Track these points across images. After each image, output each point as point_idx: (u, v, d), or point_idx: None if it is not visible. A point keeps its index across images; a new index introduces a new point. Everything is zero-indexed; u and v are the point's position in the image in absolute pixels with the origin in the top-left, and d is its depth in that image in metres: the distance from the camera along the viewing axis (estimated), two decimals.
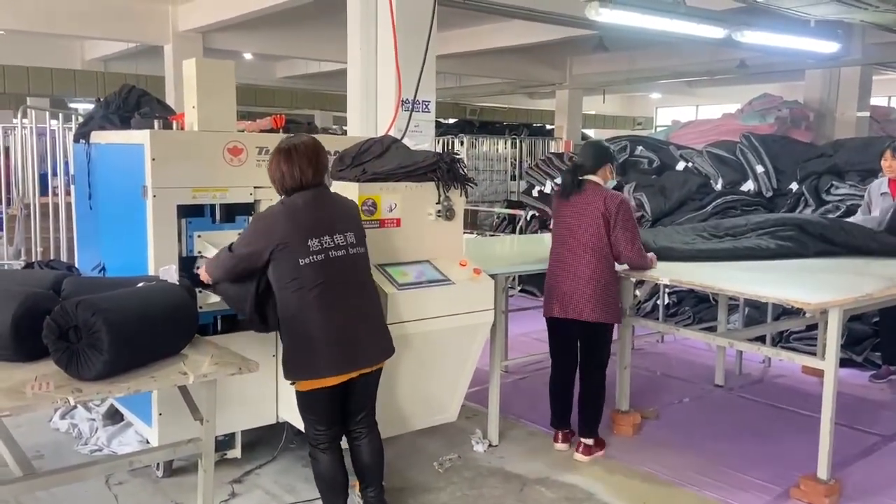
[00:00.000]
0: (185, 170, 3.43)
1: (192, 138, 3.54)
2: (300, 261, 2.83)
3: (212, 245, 3.52)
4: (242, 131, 3.75)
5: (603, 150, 4.10)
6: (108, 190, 3.90)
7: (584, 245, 3.85)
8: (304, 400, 3.00)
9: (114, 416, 4.08)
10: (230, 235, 3.61)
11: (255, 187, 3.64)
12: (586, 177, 3.94)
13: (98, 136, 3.97)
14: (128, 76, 11.65)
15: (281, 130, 3.88)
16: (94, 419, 4.12)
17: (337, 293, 2.89)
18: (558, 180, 8.71)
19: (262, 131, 3.81)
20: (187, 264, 3.48)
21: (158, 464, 3.65)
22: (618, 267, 3.97)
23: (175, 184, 3.41)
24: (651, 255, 4.07)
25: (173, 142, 3.44)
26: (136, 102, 4.03)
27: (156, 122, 3.46)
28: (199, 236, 3.53)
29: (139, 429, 3.79)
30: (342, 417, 3.08)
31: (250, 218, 3.48)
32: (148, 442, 3.65)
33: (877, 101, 11.17)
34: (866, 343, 5.68)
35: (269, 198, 3.68)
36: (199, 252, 3.54)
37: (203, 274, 3.09)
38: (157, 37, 9.99)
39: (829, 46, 6.84)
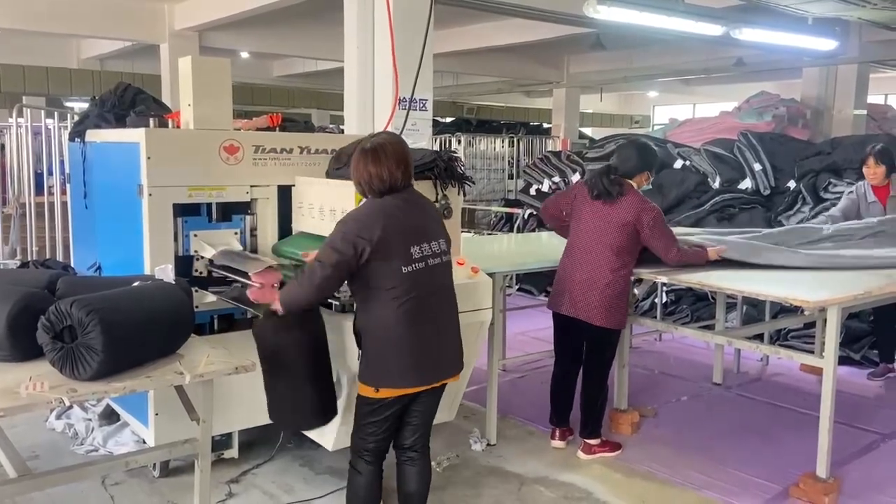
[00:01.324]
0: (180, 168, 3.41)
1: (187, 137, 3.52)
2: (403, 268, 2.68)
3: (208, 244, 3.51)
4: (239, 130, 3.73)
5: (645, 155, 3.90)
6: (103, 189, 3.88)
7: (607, 251, 3.77)
8: (372, 405, 2.80)
9: (110, 417, 4.06)
10: (226, 235, 3.61)
11: (251, 186, 3.63)
12: (624, 182, 3.81)
13: (93, 135, 3.95)
14: (124, 75, 11.61)
15: (277, 129, 3.87)
16: (90, 419, 4.10)
17: (431, 303, 2.77)
18: (556, 179, 8.73)
19: (258, 130, 3.80)
20: (184, 264, 3.46)
21: (155, 464, 3.64)
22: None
23: (171, 182, 3.39)
24: (714, 247, 3.97)
25: (169, 140, 3.43)
26: (131, 101, 4.02)
27: (151, 121, 3.45)
28: (195, 235, 3.51)
29: (135, 429, 3.77)
30: (397, 437, 2.94)
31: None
32: (144, 442, 3.64)
33: (874, 98, 11.17)
34: (864, 341, 5.68)
35: (266, 196, 3.70)
36: (196, 251, 3.52)
37: (276, 304, 2.82)
38: (153, 35, 9.94)
39: (827, 44, 6.83)
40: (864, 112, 9.87)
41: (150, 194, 3.33)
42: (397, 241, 2.69)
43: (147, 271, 3.33)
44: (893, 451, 4.19)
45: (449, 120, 18.20)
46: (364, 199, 2.87)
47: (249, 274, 3.16)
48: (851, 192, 5.31)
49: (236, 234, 3.66)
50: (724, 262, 3.99)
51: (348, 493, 2.94)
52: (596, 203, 3.84)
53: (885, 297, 3.79)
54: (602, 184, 3.81)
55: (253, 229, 3.72)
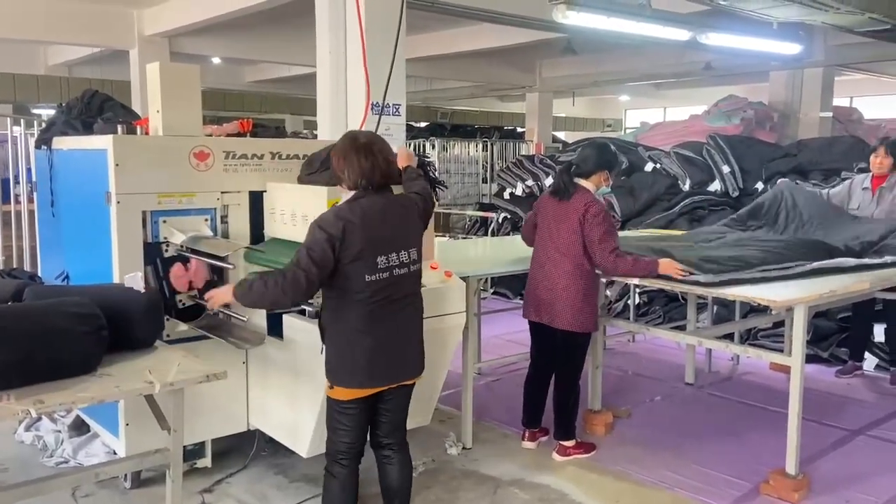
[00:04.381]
0: (149, 175, 3.38)
1: (156, 143, 3.48)
2: (367, 277, 2.71)
3: (178, 230, 3.47)
4: (209, 136, 3.70)
5: (603, 154, 3.91)
6: (71, 197, 3.83)
7: (562, 251, 3.82)
8: (338, 408, 2.85)
9: (80, 428, 4.00)
10: (197, 222, 3.56)
11: (222, 192, 3.61)
12: (577, 180, 3.87)
13: (60, 142, 3.90)
14: (93, 81, 11.44)
15: (248, 135, 3.85)
16: (59, 431, 4.03)
17: (392, 308, 2.80)
18: (529, 182, 8.79)
19: (228, 135, 3.77)
20: (151, 251, 3.42)
21: (126, 475, 3.59)
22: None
23: (140, 189, 3.35)
24: (663, 261, 3.71)
25: (137, 147, 3.39)
26: (99, 107, 3.97)
27: (119, 127, 3.41)
28: (164, 221, 3.47)
29: (106, 440, 3.71)
30: (372, 436, 2.98)
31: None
32: (115, 453, 3.59)
33: (839, 101, 11.40)
34: (832, 339, 5.79)
35: (237, 202, 3.67)
36: (165, 237, 3.48)
37: (227, 297, 2.90)
38: (123, 41, 9.83)
39: (792, 48, 6.97)
40: (830, 114, 10.07)
41: (118, 202, 3.30)
42: (369, 251, 2.71)
43: (116, 280, 3.30)
44: (861, 447, 4.27)
45: (423, 124, 18.24)
46: (340, 202, 2.86)
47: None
48: (850, 179, 5.48)
49: (207, 220, 3.61)
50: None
51: (324, 497, 2.95)
52: (553, 202, 3.89)
53: (850, 296, 3.87)
54: (561, 180, 3.88)
55: (224, 216, 3.67)
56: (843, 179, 6.18)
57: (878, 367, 5.62)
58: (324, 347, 2.87)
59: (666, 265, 3.70)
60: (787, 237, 4.59)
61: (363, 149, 2.76)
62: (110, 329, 2.65)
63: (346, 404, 2.83)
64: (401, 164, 3.21)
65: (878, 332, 5.59)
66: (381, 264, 2.74)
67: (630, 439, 4.31)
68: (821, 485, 3.71)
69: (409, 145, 11.01)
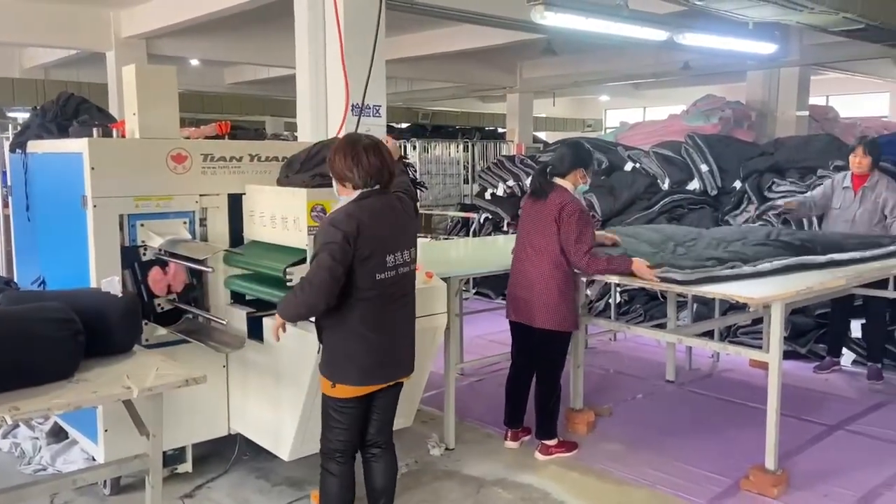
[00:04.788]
0: (126, 178, 3.35)
1: (132, 146, 3.45)
2: (377, 275, 2.75)
3: (156, 234, 3.44)
4: (186, 138, 3.68)
5: (577, 152, 3.95)
6: (46, 201, 3.78)
7: (539, 251, 3.84)
8: (336, 406, 2.87)
9: (58, 434, 3.95)
10: (175, 225, 3.53)
11: (200, 195, 3.58)
12: (554, 179, 3.90)
13: (35, 146, 3.85)
14: (69, 84, 11.33)
15: (227, 137, 3.82)
16: (37, 438, 3.98)
17: (393, 307, 2.84)
18: (510, 182, 8.81)
19: (206, 138, 3.75)
20: (129, 255, 3.39)
21: (106, 481, 3.55)
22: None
23: (116, 193, 3.32)
24: (635, 260, 3.74)
25: (113, 150, 3.36)
26: (74, 110, 3.93)
27: (95, 131, 3.37)
28: (142, 225, 3.44)
29: (85, 446, 3.67)
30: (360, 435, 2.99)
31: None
32: (94, 459, 3.55)
33: (815, 100, 11.55)
34: (810, 335, 5.86)
35: (216, 205, 3.65)
36: (143, 241, 3.45)
37: (278, 322, 2.88)
38: (99, 43, 9.72)
39: (768, 48, 7.06)
40: (807, 113, 10.21)
41: (94, 205, 3.26)
42: (379, 249, 2.75)
43: (93, 284, 3.26)
44: (839, 441, 4.33)
45: (404, 126, 18.21)
46: (339, 203, 2.86)
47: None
48: (831, 178, 5.54)
49: (185, 223, 3.58)
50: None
51: (322, 496, 2.97)
52: (531, 203, 3.93)
53: (826, 292, 3.92)
54: (537, 181, 3.91)
55: (203, 219, 3.64)
56: (820, 177, 6.26)
57: (855, 362, 5.70)
58: (321, 347, 2.88)
59: (638, 266, 3.72)
60: (762, 238, 4.63)
61: (371, 148, 2.81)
62: (87, 334, 2.63)
63: (344, 402, 2.86)
64: None
65: (856, 328, 5.67)
66: (390, 262, 2.78)
67: (612, 437, 4.33)
68: (800, 479, 3.75)
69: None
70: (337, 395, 2.85)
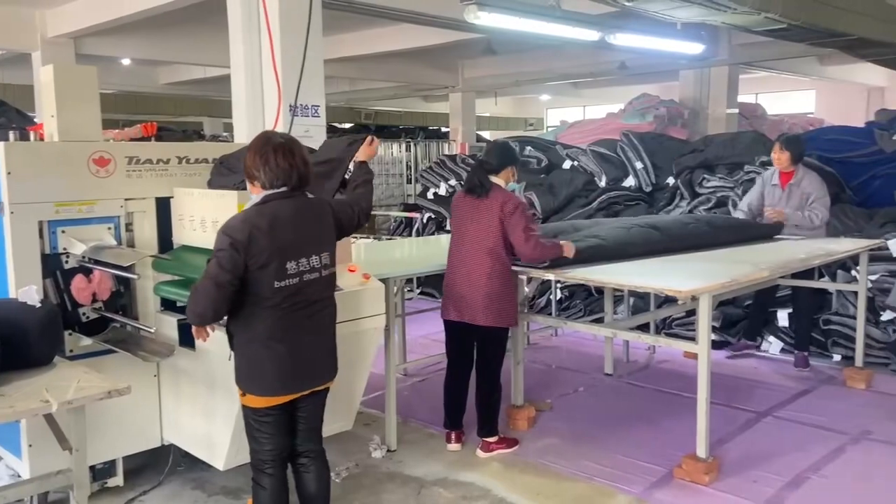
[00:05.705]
0: (45, 183, 3.23)
1: (51, 149, 3.33)
2: (276, 283, 2.65)
3: (78, 240, 3.32)
4: (109, 140, 3.56)
5: (507, 151, 4.08)
6: None
7: (479, 247, 3.86)
8: (255, 416, 2.78)
9: None
10: (98, 230, 3.42)
11: (125, 199, 3.48)
12: (489, 177, 3.93)
13: None
14: None
15: (153, 139, 3.73)
16: None
17: (302, 314, 2.74)
18: (452, 182, 8.84)
19: (131, 140, 3.65)
20: (50, 263, 3.27)
21: (32, 498, 3.40)
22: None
23: (35, 199, 3.20)
24: (565, 243, 3.98)
25: (31, 154, 3.23)
26: None
27: (11, 134, 3.24)
28: (63, 231, 3.32)
29: (9, 462, 3.52)
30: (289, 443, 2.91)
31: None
32: (19, 475, 3.41)
33: (744, 98, 11.96)
34: (740, 325, 6.05)
35: (143, 210, 3.55)
36: (65, 248, 3.33)
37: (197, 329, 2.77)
38: (24, 43, 9.34)
39: (696, 48, 7.26)
40: (736, 111, 10.55)
41: (11, 212, 3.14)
42: (276, 258, 2.65)
43: (12, 294, 3.13)
44: (768, 428, 4.48)
45: (347, 125, 18.07)
46: (248, 205, 2.79)
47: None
48: (760, 175, 5.72)
49: (110, 229, 3.46)
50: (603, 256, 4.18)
51: None
52: (469, 199, 3.95)
53: (750, 284, 4.06)
54: (476, 178, 3.94)
55: (129, 224, 3.54)
56: (748, 173, 6.48)
57: (783, 350, 5.91)
58: (232, 354, 2.80)
59: (567, 247, 3.97)
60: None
61: (281, 148, 2.71)
62: (3, 346, 2.53)
63: (261, 412, 2.78)
64: (359, 157, 3.21)
65: (783, 318, 5.88)
66: (291, 270, 2.69)
67: (552, 432, 4.39)
68: (730, 466, 3.87)
69: None
70: (250, 405, 2.77)
